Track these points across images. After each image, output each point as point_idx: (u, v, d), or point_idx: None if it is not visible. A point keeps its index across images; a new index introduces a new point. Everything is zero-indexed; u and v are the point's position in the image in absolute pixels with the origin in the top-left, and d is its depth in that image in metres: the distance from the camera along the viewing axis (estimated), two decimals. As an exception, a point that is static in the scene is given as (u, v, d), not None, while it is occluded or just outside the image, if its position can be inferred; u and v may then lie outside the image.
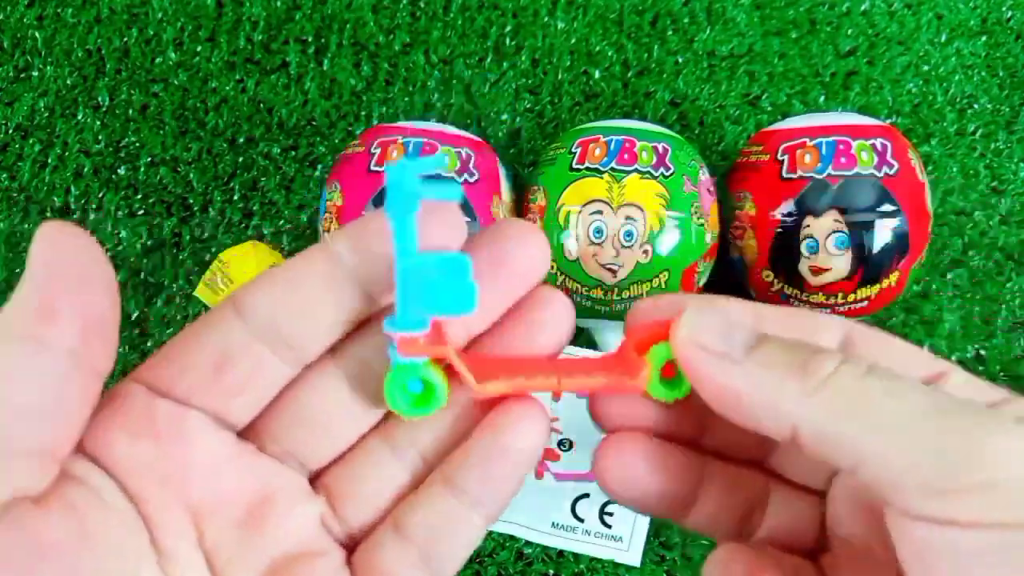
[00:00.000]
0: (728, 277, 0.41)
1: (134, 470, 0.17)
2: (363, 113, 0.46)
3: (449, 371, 0.19)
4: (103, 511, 0.16)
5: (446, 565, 0.19)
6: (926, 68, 0.47)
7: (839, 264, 0.36)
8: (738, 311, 0.19)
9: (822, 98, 0.46)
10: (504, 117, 0.46)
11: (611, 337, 0.40)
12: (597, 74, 0.47)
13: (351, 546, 0.19)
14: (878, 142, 0.36)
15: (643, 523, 0.39)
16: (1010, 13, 0.47)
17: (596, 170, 0.37)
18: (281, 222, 0.45)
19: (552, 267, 0.37)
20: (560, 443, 0.41)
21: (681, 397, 0.19)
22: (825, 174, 0.36)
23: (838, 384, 0.16)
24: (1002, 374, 0.42)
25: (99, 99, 0.47)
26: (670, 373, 0.19)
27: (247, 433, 0.19)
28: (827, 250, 0.36)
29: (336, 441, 0.19)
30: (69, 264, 0.16)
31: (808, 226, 0.36)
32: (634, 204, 0.36)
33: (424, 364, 0.19)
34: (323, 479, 0.19)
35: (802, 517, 0.20)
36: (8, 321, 0.15)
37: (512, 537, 0.41)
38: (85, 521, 0.16)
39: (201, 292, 0.40)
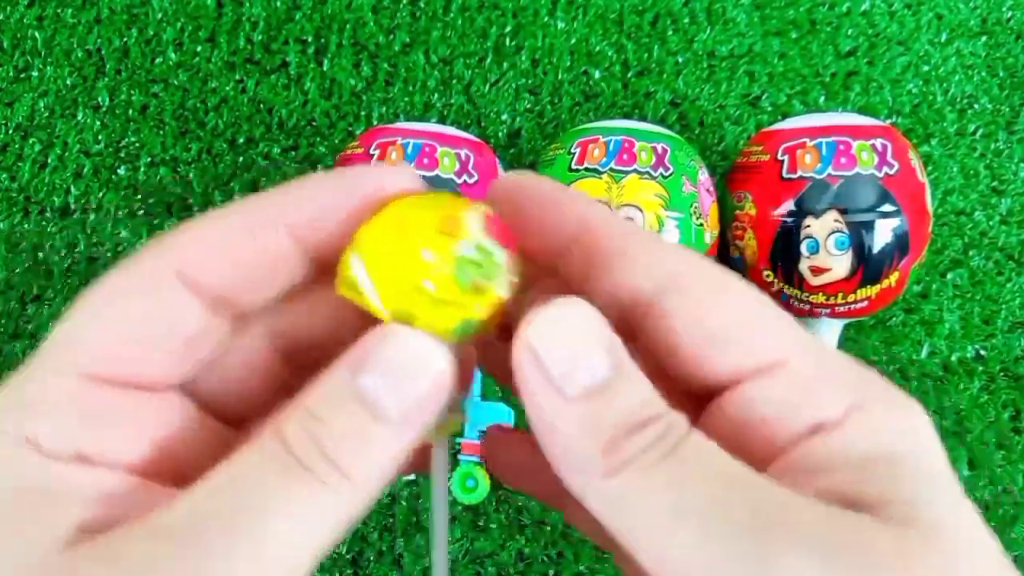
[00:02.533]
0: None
1: None
2: (363, 113, 0.46)
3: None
4: None
5: None
6: (926, 68, 0.47)
7: (839, 264, 0.36)
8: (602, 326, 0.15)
9: (822, 98, 0.46)
10: (504, 117, 0.46)
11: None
12: (597, 74, 0.47)
13: None
14: (878, 142, 0.36)
15: None
16: (1010, 13, 0.47)
17: (595, 170, 0.36)
18: (281, 222, 0.45)
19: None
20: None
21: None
22: (825, 174, 0.36)
23: (630, 475, 0.14)
24: (1002, 374, 0.42)
25: (99, 99, 0.47)
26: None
27: None
28: (827, 250, 0.36)
29: None
30: None
31: (808, 226, 0.36)
32: (633, 204, 0.36)
33: (476, 464, 0.39)
34: None
35: None
36: None
37: (512, 537, 0.41)
38: None
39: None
